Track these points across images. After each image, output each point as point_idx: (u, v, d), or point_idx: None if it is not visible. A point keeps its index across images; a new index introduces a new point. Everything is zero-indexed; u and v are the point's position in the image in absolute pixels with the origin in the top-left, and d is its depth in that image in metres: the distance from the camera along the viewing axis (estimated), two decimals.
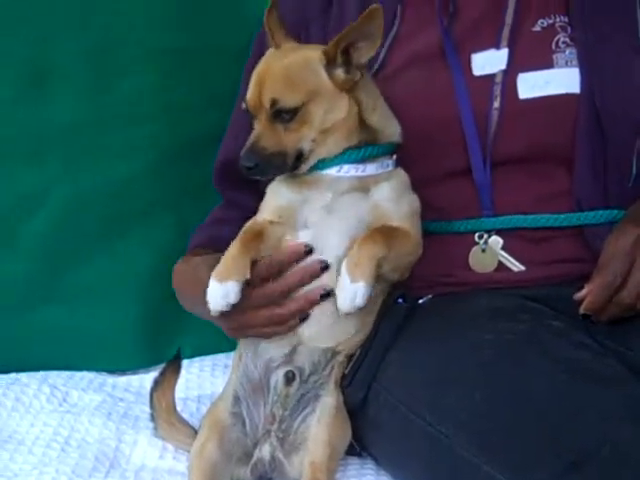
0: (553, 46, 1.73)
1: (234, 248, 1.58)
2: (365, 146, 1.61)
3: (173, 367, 1.90)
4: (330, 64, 1.57)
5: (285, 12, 1.71)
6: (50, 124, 2.18)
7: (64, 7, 2.13)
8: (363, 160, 1.61)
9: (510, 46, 1.73)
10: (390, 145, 1.65)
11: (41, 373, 2.17)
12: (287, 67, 1.58)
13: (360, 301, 1.53)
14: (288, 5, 1.80)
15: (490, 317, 1.62)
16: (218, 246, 1.70)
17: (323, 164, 1.61)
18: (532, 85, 1.71)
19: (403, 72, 1.64)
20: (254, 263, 1.58)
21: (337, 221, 1.60)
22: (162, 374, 1.89)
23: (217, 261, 1.58)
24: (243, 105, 1.62)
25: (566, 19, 1.75)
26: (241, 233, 1.61)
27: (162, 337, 2.27)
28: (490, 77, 1.72)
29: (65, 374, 2.18)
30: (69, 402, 2.05)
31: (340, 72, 1.58)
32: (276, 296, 1.61)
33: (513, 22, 1.74)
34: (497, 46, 1.74)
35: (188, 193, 2.21)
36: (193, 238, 1.95)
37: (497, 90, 1.71)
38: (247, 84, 1.82)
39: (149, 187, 2.24)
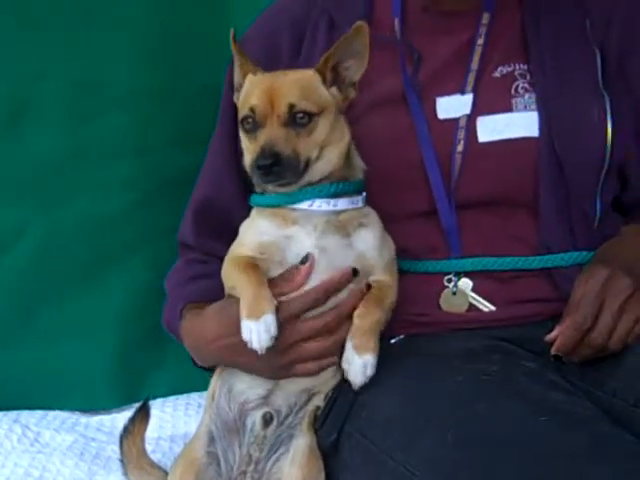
0: (512, 91, 1.75)
1: (248, 285, 1.55)
2: (337, 182, 1.61)
3: (142, 414, 1.89)
4: (324, 83, 1.60)
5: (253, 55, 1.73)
6: (26, 161, 2.18)
7: (42, 46, 2.14)
8: (335, 195, 1.61)
9: (475, 91, 1.75)
10: (359, 182, 1.66)
11: (13, 412, 2.15)
12: (298, 80, 1.58)
13: (370, 371, 1.56)
14: (256, 47, 1.80)
15: (463, 358, 1.62)
16: (211, 301, 1.69)
17: (295, 197, 1.60)
18: (491, 129, 1.73)
19: (366, 116, 1.65)
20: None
21: (326, 263, 1.59)
22: (131, 421, 1.88)
23: (235, 302, 1.56)
24: (243, 113, 1.57)
25: (525, 67, 1.77)
26: (240, 270, 1.58)
27: (135, 376, 2.25)
28: (454, 121, 1.74)
29: (38, 413, 2.17)
30: (41, 442, 2.04)
31: (334, 91, 1.61)
32: (332, 325, 1.59)
33: (478, 68, 1.76)
34: (462, 91, 1.75)
35: (163, 233, 2.17)
36: (176, 296, 1.84)
37: (461, 134, 1.73)
38: (226, 118, 1.83)
39: (125, 226, 2.24)
